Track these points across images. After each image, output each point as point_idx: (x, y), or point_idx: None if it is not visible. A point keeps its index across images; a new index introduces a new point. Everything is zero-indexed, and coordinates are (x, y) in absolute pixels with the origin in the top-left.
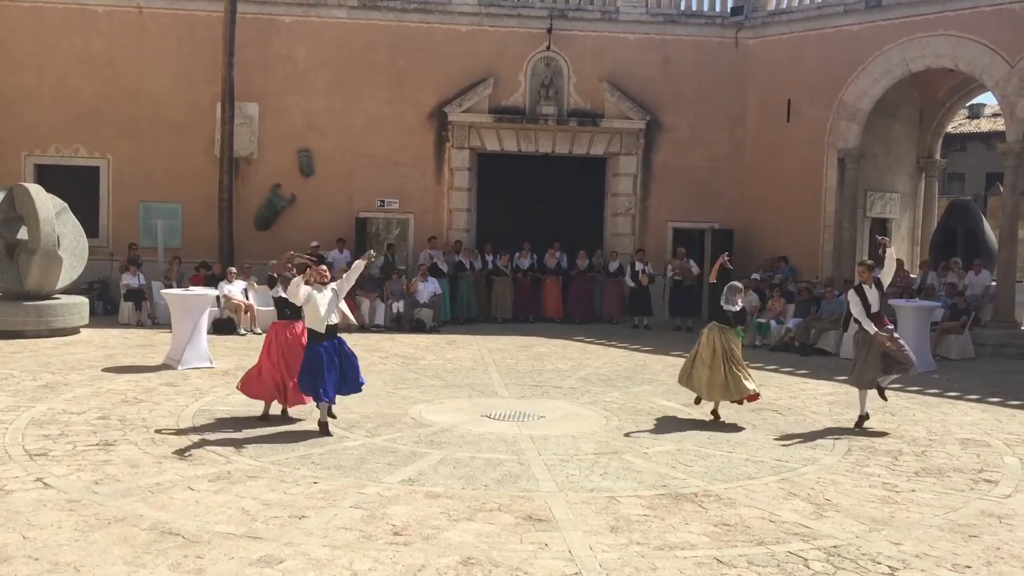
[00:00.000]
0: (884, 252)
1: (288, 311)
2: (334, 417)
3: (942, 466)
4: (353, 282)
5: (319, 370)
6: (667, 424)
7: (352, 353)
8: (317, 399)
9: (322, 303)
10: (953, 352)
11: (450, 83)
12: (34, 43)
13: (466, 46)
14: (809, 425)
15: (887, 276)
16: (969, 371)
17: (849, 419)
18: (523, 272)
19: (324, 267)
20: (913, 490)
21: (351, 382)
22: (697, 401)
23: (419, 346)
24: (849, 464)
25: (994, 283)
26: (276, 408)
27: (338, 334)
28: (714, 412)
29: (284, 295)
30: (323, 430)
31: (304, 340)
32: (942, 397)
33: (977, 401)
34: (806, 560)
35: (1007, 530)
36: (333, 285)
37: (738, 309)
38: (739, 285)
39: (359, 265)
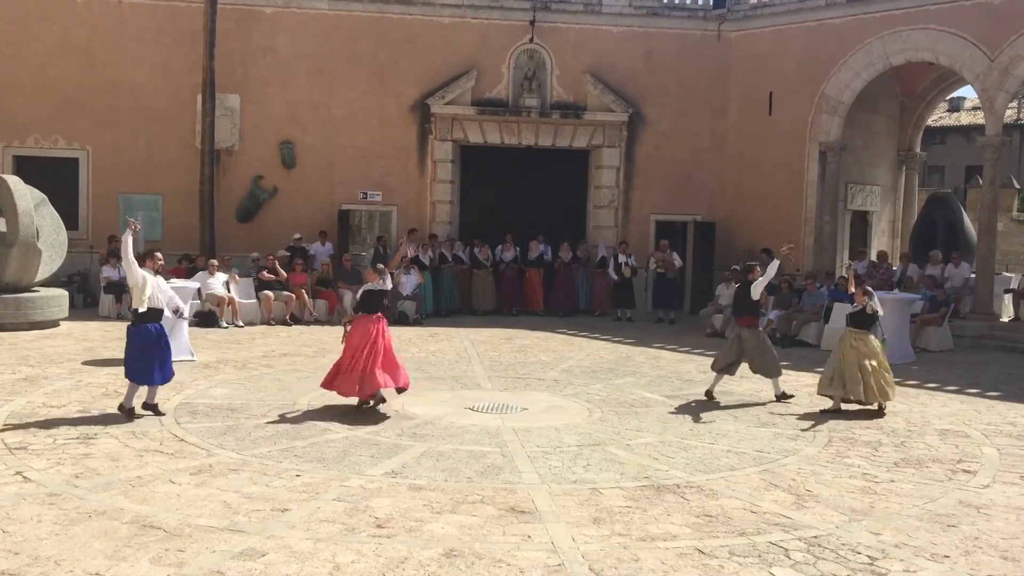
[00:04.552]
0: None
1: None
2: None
3: (921, 457)
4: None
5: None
6: (650, 415)
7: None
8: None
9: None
10: (932, 344)
11: (433, 75)
12: (12, 32)
13: (449, 38)
14: (790, 416)
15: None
16: (948, 362)
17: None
18: (506, 264)
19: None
20: (892, 481)
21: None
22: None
23: (402, 339)
24: (829, 455)
25: (973, 275)
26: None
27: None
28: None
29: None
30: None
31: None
32: (921, 388)
33: (956, 392)
34: (787, 550)
35: (985, 520)
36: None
37: (878, 311)
38: (871, 290)
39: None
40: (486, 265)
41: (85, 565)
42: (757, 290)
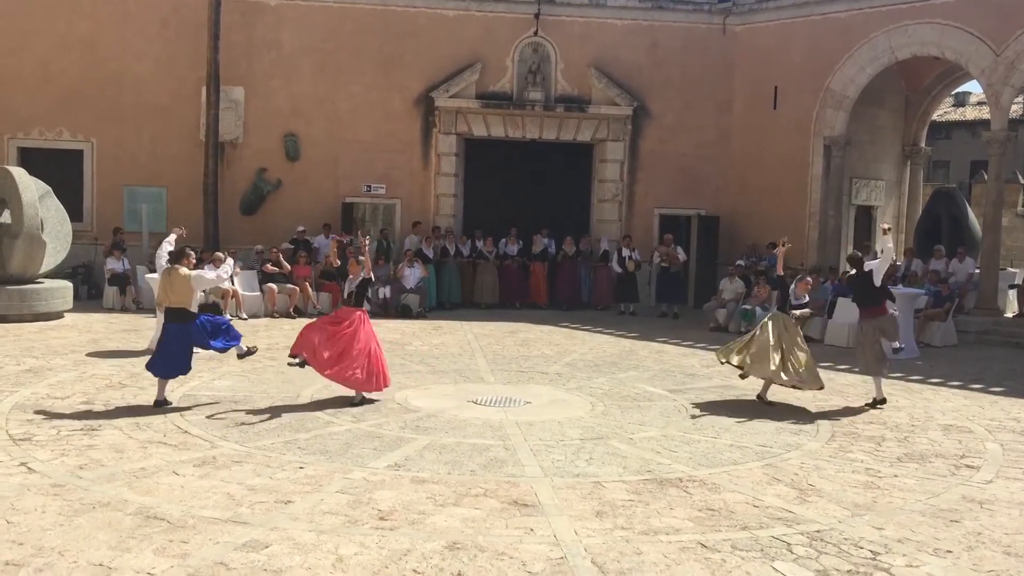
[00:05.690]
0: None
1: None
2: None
3: (924, 452)
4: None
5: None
6: (653, 409)
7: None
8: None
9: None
10: (936, 339)
11: (437, 68)
12: (16, 26)
13: (453, 31)
14: (793, 411)
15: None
16: (952, 358)
17: (832, 405)
18: (510, 258)
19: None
20: (895, 475)
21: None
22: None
23: (405, 332)
24: (832, 450)
25: (978, 270)
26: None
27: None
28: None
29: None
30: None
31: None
32: (925, 383)
33: (959, 387)
34: (789, 544)
35: (988, 515)
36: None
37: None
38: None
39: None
40: (489, 258)
41: (89, 556)
42: (879, 276)
